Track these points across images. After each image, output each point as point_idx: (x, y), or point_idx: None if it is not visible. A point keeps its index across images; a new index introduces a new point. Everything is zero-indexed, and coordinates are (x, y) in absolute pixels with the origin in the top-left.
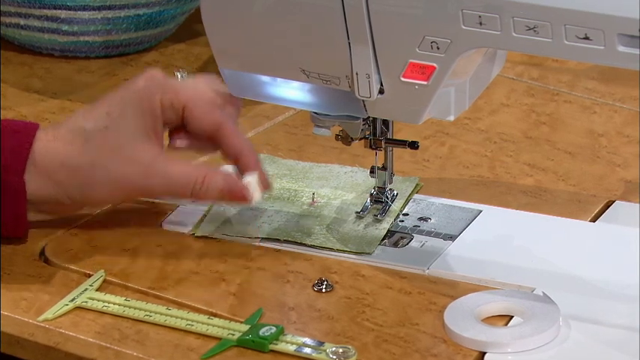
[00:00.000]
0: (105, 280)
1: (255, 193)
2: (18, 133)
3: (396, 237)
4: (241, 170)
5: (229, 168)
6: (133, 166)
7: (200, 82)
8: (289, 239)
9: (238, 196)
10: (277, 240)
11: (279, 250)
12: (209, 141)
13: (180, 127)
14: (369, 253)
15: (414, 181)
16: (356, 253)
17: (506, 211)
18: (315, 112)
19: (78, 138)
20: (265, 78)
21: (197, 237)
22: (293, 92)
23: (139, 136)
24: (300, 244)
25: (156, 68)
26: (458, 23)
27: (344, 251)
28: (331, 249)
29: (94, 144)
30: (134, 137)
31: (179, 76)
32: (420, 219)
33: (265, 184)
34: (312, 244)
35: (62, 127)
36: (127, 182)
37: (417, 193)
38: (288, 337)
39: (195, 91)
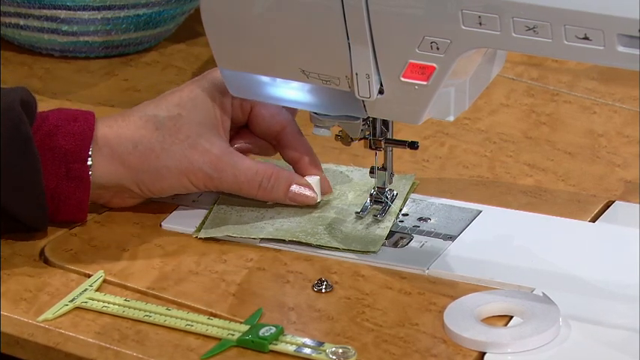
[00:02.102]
0: (105, 281)
1: (317, 196)
2: (77, 120)
3: (395, 237)
4: (301, 173)
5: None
6: (204, 155)
7: None
8: (294, 240)
9: (303, 196)
10: (282, 241)
11: (279, 251)
12: (271, 142)
13: (243, 127)
14: (374, 252)
15: (411, 179)
16: (362, 253)
17: (506, 211)
18: (315, 113)
19: (150, 124)
20: (265, 78)
21: (197, 237)
22: (293, 92)
23: (210, 128)
24: (306, 244)
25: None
26: (457, 23)
27: (350, 251)
28: (337, 249)
29: (166, 130)
30: (205, 128)
31: None
32: (420, 219)
33: (326, 189)
34: (318, 244)
35: (133, 114)
36: (196, 171)
37: (416, 193)
38: (288, 338)
39: None
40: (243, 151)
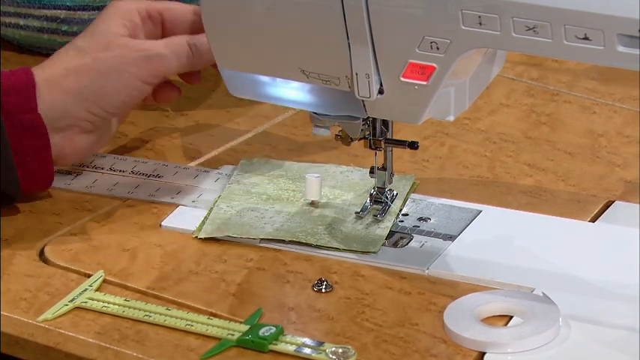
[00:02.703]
0: (104, 281)
1: (315, 193)
2: (15, 73)
3: (395, 237)
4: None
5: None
6: (132, 47)
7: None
8: (294, 240)
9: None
10: (282, 241)
11: (278, 251)
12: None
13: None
14: (374, 252)
15: (411, 180)
16: (361, 253)
17: (506, 211)
18: (315, 112)
19: (71, 50)
20: (265, 78)
21: (197, 237)
22: (293, 92)
23: (126, 34)
24: (306, 244)
25: None
26: (458, 23)
27: (350, 251)
28: (337, 249)
29: (87, 48)
30: (122, 34)
31: None
32: (420, 219)
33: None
34: (318, 244)
35: (58, 52)
36: (133, 68)
37: (416, 193)
38: (288, 338)
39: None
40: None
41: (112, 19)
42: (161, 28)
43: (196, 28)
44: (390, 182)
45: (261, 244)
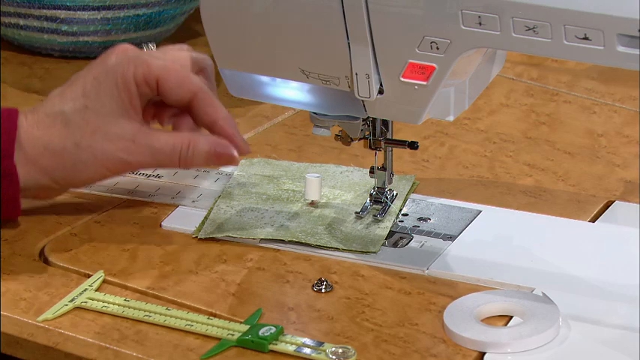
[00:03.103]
0: (104, 281)
1: (315, 193)
2: (1, 117)
3: (395, 237)
4: (220, 132)
5: (312, 176)
6: (117, 142)
7: (170, 50)
8: (294, 240)
9: (226, 156)
10: (282, 241)
11: (278, 251)
12: (186, 110)
13: (159, 102)
14: (374, 252)
15: (411, 180)
16: (361, 253)
17: (506, 211)
18: (315, 113)
19: (57, 121)
20: (265, 78)
21: (197, 237)
22: (292, 92)
23: (118, 113)
24: (305, 244)
25: (126, 43)
26: (457, 23)
27: (350, 251)
28: (337, 249)
29: (74, 126)
30: (114, 115)
31: (149, 46)
32: (420, 219)
33: (242, 149)
34: (317, 244)
35: (40, 112)
36: (112, 159)
37: (416, 193)
38: (288, 338)
39: (166, 61)
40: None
41: (109, 90)
42: (157, 91)
43: (195, 84)
44: (390, 182)
45: (261, 244)
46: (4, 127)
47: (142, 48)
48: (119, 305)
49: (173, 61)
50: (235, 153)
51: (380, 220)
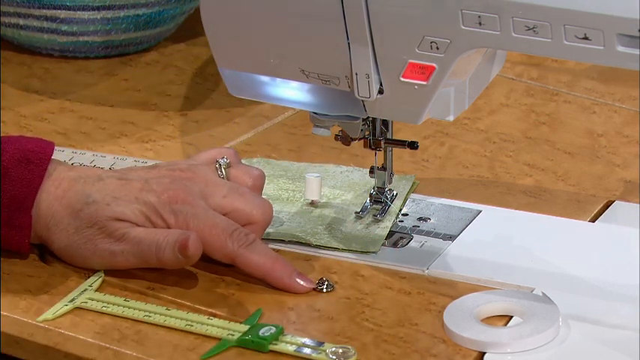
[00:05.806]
0: (104, 281)
1: (315, 193)
2: (29, 163)
3: (395, 237)
4: (274, 284)
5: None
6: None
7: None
8: (294, 240)
9: (184, 245)
10: (282, 241)
11: (278, 250)
12: None
13: None
14: (374, 252)
15: (411, 180)
16: (361, 253)
17: (506, 211)
18: (315, 112)
19: (68, 219)
20: (265, 78)
21: None
22: (292, 92)
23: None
24: (306, 244)
25: (203, 169)
26: (457, 23)
27: (350, 251)
28: (337, 249)
29: (79, 223)
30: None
31: (222, 162)
32: (420, 219)
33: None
34: (317, 244)
35: (70, 189)
36: (98, 259)
37: (416, 193)
38: (288, 338)
39: (205, 224)
40: None
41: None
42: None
43: (231, 251)
44: (390, 182)
45: None
46: (29, 177)
47: (216, 167)
48: (119, 305)
49: (213, 226)
50: (191, 250)
51: (380, 220)
